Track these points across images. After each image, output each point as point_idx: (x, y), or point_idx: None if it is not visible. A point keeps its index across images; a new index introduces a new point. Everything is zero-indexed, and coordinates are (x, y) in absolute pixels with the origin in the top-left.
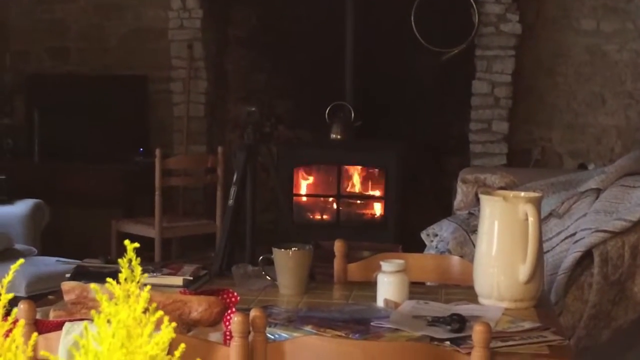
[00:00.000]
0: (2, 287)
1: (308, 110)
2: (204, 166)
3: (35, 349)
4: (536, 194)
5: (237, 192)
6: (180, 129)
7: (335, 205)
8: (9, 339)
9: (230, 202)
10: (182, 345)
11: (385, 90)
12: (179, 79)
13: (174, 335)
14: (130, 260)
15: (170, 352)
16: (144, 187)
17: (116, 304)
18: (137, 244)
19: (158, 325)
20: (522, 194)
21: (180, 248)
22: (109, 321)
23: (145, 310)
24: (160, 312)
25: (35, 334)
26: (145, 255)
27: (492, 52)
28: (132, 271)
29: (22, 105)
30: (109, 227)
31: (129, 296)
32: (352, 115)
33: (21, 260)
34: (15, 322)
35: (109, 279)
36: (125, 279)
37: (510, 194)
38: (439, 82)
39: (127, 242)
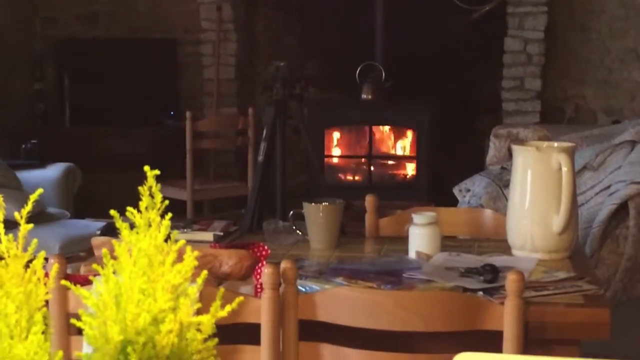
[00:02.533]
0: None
1: (338, 72)
2: (234, 128)
3: (66, 304)
4: (570, 144)
5: (266, 148)
6: (211, 92)
7: (367, 166)
8: (29, 270)
9: (260, 157)
10: (205, 273)
11: (416, 49)
12: (209, 42)
13: (196, 263)
14: (150, 188)
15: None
16: (175, 150)
17: (137, 233)
18: (157, 171)
19: (181, 257)
20: (556, 144)
21: (211, 211)
22: (129, 250)
23: (167, 239)
24: (182, 241)
25: (57, 264)
26: (177, 219)
27: (524, 9)
28: (153, 198)
29: (52, 70)
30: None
31: (150, 225)
32: (383, 75)
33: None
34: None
35: (129, 208)
36: (146, 208)
37: (544, 144)
38: (471, 40)
39: (146, 168)
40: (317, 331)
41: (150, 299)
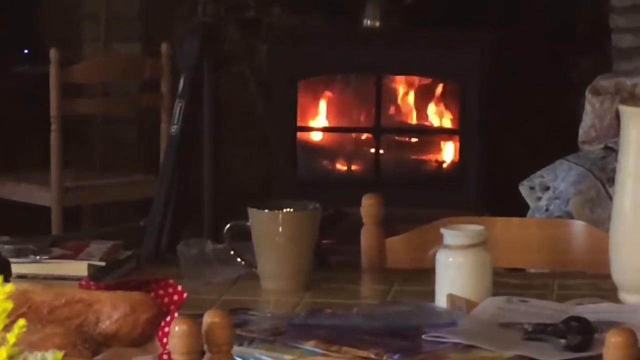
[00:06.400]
0: None
1: None
2: (137, 79)
3: None
4: None
5: (185, 112)
6: (95, 14)
7: (372, 147)
8: None
9: (174, 128)
10: (21, 322)
11: None
12: None
13: (10, 305)
14: None
15: None
16: (34, 116)
17: None
18: None
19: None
20: None
21: (96, 224)
22: None
23: None
24: (7, 304)
25: None
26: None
27: None
28: None
29: None
30: None
31: None
32: None
33: None
34: None
35: None
36: None
37: None
38: None
39: None
40: None
41: None
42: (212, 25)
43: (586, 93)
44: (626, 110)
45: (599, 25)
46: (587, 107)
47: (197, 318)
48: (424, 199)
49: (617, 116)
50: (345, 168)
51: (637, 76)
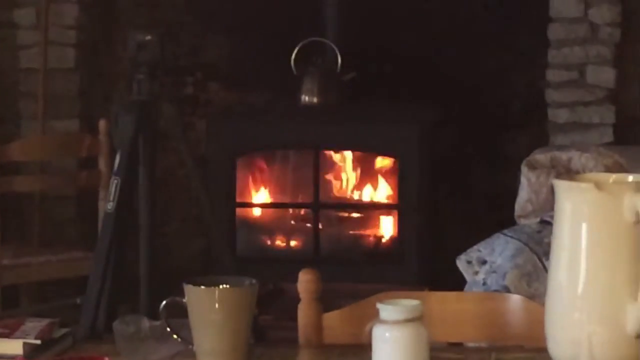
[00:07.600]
0: None
1: (262, 57)
2: (75, 156)
3: None
4: None
5: (120, 189)
6: (33, 92)
7: (310, 223)
8: None
9: (110, 206)
10: None
11: (397, 17)
12: (30, 3)
13: None
14: None
15: None
16: None
17: None
18: None
19: None
20: (631, 177)
21: (34, 301)
22: None
23: None
24: None
25: None
26: None
27: None
28: None
29: None
30: None
31: None
32: (339, 61)
33: None
34: None
35: None
36: None
37: (610, 178)
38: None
39: None
40: None
41: None
42: (147, 103)
43: (522, 167)
44: (560, 184)
45: (535, 100)
46: (523, 181)
47: None
48: (363, 274)
49: (553, 190)
50: (284, 244)
51: (573, 150)
